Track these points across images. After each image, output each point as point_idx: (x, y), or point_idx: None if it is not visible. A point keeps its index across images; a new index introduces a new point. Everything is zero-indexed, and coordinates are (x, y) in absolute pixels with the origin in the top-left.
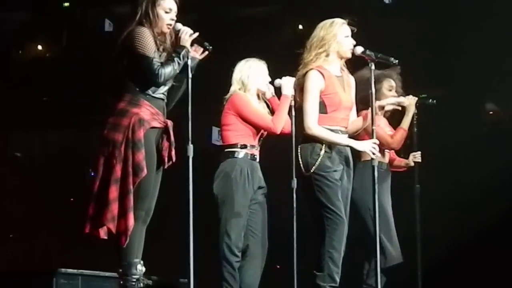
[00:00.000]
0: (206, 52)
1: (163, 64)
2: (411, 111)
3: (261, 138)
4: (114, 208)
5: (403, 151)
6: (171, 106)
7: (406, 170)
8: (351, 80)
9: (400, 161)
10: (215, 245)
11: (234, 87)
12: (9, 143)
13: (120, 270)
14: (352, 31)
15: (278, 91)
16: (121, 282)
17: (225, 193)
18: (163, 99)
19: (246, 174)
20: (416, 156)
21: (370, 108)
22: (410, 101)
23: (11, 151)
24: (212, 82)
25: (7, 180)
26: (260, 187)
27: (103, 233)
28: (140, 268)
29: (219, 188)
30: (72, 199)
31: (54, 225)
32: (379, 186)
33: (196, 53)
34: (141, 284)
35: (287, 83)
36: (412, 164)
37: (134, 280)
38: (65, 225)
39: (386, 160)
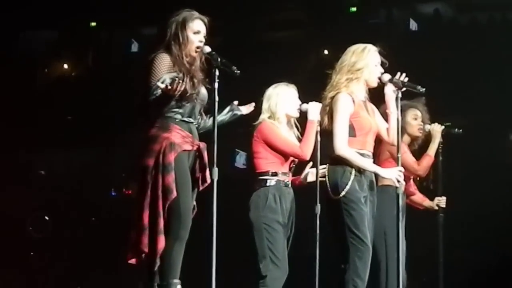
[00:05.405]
0: (252, 109)
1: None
2: (437, 138)
3: (293, 165)
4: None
5: (427, 191)
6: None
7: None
8: (374, 108)
9: (421, 200)
10: (236, 266)
11: (263, 115)
12: (33, 161)
13: None
14: (384, 63)
15: (304, 116)
16: None
17: (260, 221)
18: (193, 123)
19: (278, 201)
20: (440, 201)
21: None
22: (436, 128)
23: (35, 169)
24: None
25: (30, 198)
26: (289, 218)
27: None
28: None
29: (254, 215)
30: (93, 218)
31: (75, 244)
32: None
33: (244, 109)
34: None
35: (313, 109)
36: (436, 208)
37: None
38: (86, 244)
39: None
